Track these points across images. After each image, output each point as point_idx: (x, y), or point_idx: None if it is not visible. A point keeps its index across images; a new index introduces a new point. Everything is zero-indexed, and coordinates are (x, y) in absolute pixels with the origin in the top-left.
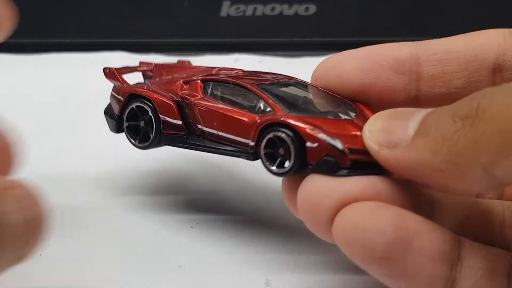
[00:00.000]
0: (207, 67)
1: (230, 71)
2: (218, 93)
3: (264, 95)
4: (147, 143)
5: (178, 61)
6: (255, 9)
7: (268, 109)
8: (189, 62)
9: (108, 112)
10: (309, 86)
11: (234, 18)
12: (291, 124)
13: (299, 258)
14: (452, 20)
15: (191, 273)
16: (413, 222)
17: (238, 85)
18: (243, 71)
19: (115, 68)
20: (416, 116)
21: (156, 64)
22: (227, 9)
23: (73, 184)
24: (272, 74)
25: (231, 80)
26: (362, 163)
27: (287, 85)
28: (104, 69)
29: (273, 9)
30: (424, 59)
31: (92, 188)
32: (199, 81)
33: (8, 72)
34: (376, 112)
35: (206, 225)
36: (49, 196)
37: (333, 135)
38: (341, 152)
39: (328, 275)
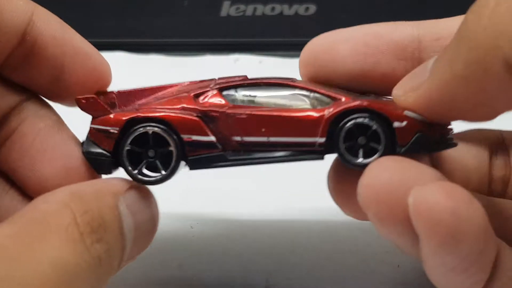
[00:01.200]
0: (193, 82)
1: (232, 79)
2: (251, 98)
3: (314, 87)
4: (163, 176)
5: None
6: (255, 9)
7: (329, 99)
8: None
9: (90, 151)
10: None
11: (234, 18)
12: (373, 106)
13: (299, 258)
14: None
15: (191, 272)
16: (488, 220)
17: (274, 83)
18: (245, 76)
19: (94, 96)
20: (433, 59)
21: (119, 91)
22: (227, 9)
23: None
24: (275, 78)
25: (260, 81)
26: (445, 133)
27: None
28: (78, 100)
29: (273, 9)
30: (427, 44)
31: None
32: (215, 91)
33: None
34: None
35: (206, 225)
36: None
37: (412, 111)
38: (430, 125)
39: (328, 275)
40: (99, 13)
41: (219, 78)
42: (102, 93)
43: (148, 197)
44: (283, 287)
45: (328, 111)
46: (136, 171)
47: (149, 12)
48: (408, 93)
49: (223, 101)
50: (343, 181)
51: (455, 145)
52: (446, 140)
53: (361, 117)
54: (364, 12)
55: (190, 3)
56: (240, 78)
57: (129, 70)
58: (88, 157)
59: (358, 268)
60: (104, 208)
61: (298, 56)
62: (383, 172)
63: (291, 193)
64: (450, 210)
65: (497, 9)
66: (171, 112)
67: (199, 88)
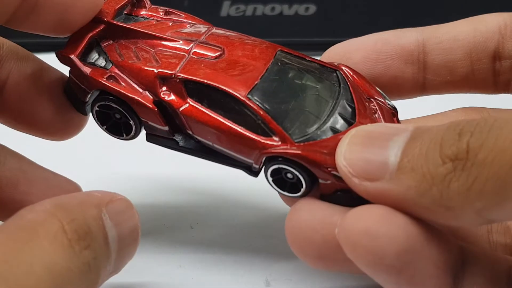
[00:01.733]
0: (177, 36)
1: (209, 52)
2: (206, 99)
3: (263, 112)
4: (132, 135)
5: None
6: (255, 9)
7: (271, 132)
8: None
9: (69, 92)
10: (296, 56)
11: (234, 18)
12: (305, 162)
13: (299, 258)
14: (453, 20)
15: (191, 273)
16: (423, 230)
17: (229, 94)
18: (223, 50)
19: (74, 56)
20: (394, 143)
21: (108, 23)
22: (227, 9)
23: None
24: (254, 43)
25: (219, 87)
26: None
27: (279, 68)
28: (58, 54)
29: (273, 9)
30: (430, 48)
31: (90, 188)
32: (178, 81)
33: None
34: (361, 76)
35: (206, 225)
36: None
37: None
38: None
39: (328, 275)
40: None
41: (196, 46)
42: (96, 20)
43: (129, 209)
44: (283, 287)
45: (264, 148)
46: (104, 127)
47: None
48: (363, 180)
49: (183, 95)
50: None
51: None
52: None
53: (291, 167)
54: (364, 12)
55: (190, 3)
56: (214, 52)
57: None
58: (67, 96)
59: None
60: (89, 218)
61: None
62: (294, 215)
63: None
64: (363, 230)
65: (467, 164)
66: (134, 93)
67: (169, 64)
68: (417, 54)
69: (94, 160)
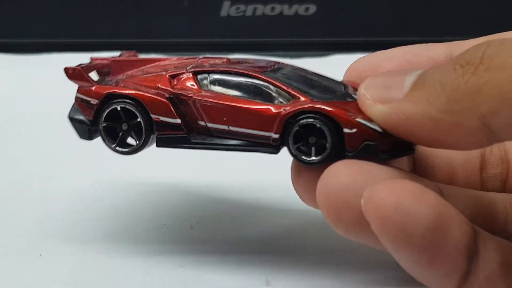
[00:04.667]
0: (181, 58)
1: (217, 60)
2: (220, 85)
3: (277, 82)
4: (135, 147)
5: (123, 52)
6: (255, 9)
7: (289, 96)
8: (135, 52)
9: (74, 117)
10: (304, 69)
11: (234, 18)
12: (326, 110)
13: (299, 258)
14: (452, 20)
15: (191, 273)
16: (450, 211)
17: (243, 74)
18: (228, 58)
19: (82, 67)
20: (415, 71)
21: (114, 59)
22: (227, 9)
23: (73, 184)
24: (259, 60)
25: (232, 69)
26: (400, 143)
27: (285, 68)
28: (66, 69)
29: (273, 9)
30: None
31: (92, 188)
32: (190, 74)
33: (7, 72)
34: None
35: (206, 225)
36: (51, 196)
37: (364, 116)
38: (382, 135)
39: (328, 275)
40: (99, 13)
41: (202, 57)
42: (98, 59)
43: None
44: (283, 287)
45: (284, 109)
46: (113, 145)
47: (149, 12)
48: (376, 103)
49: (195, 85)
50: (303, 174)
51: (411, 152)
52: (400, 148)
53: (314, 119)
54: (364, 12)
55: (190, 3)
56: (221, 61)
57: None
58: (72, 122)
59: (359, 267)
60: None
61: (298, 56)
62: (332, 178)
63: (292, 193)
64: (394, 206)
65: (480, 68)
66: (145, 92)
67: (179, 67)
68: None
69: (95, 159)
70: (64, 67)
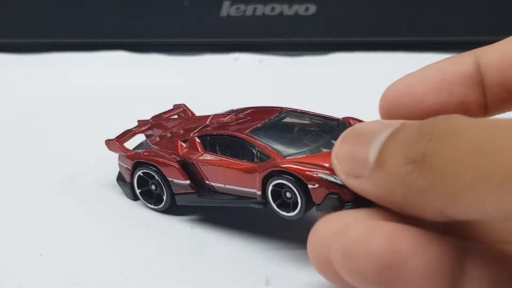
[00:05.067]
0: (201, 116)
1: (223, 118)
2: (216, 147)
3: (258, 142)
4: (163, 205)
5: (174, 106)
6: (255, 9)
7: (266, 156)
8: (184, 105)
9: (120, 179)
10: (300, 112)
11: (234, 18)
12: (290, 169)
13: (299, 257)
14: (452, 20)
15: (192, 272)
16: (407, 241)
17: (233, 136)
18: (236, 115)
19: (116, 140)
20: (376, 141)
21: (153, 122)
22: (227, 9)
23: (73, 184)
24: (265, 108)
25: (225, 132)
26: None
27: (279, 120)
28: (106, 142)
29: (273, 9)
30: (484, 69)
31: (92, 188)
32: (196, 138)
33: (8, 72)
34: None
35: (206, 225)
36: (49, 196)
37: (331, 171)
38: (342, 186)
39: None
40: (99, 13)
41: (213, 117)
42: (143, 124)
43: None
44: (283, 287)
45: (261, 169)
46: (139, 191)
47: (149, 12)
48: (348, 176)
49: (199, 149)
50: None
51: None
52: (359, 202)
53: (282, 177)
54: (364, 12)
55: (190, 3)
56: (228, 118)
57: (129, 70)
58: (119, 184)
59: None
60: None
61: (298, 55)
62: (313, 235)
63: None
64: (341, 250)
65: (423, 168)
66: (163, 157)
67: (192, 130)
68: (476, 76)
69: (95, 158)
70: (105, 140)
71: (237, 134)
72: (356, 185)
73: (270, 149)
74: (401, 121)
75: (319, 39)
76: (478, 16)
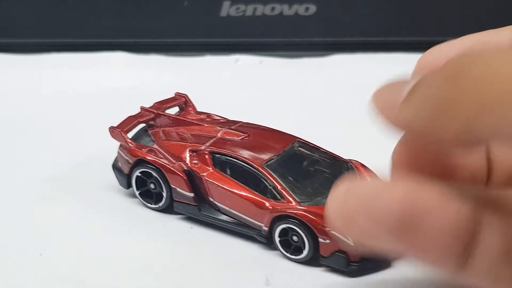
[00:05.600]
0: (211, 126)
1: (236, 136)
2: (227, 168)
3: (274, 178)
4: (162, 203)
5: (176, 94)
6: (255, 9)
7: (279, 195)
8: (186, 95)
9: (116, 167)
10: (312, 147)
11: (234, 18)
12: (305, 218)
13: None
14: (452, 20)
15: (192, 272)
16: (427, 197)
17: (247, 163)
18: (248, 136)
19: (120, 130)
20: (416, 78)
21: (157, 113)
22: (227, 9)
23: (73, 184)
24: (278, 133)
25: (241, 157)
26: (372, 258)
27: (293, 153)
28: (110, 130)
29: (273, 9)
30: None
31: (92, 188)
32: (207, 153)
33: (8, 72)
34: (371, 172)
35: (206, 225)
36: (49, 196)
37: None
38: (352, 247)
39: (328, 274)
40: (100, 13)
41: (226, 130)
42: (146, 113)
43: None
44: (283, 287)
45: (274, 208)
46: (138, 193)
47: (149, 12)
48: (382, 109)
49: (209, 164)
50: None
51: (385, 267)
52: (372, 261)
53: (295, 224)
54: (364, 12)
55: (190, 3)
56: (241, 137)
57: (129, 70)
58: (114, 171)
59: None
60: None
61: (298, 56)
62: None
63: None
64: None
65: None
66: (168, 161)
67: (202, 140)
68: None
69: (95, 158)
70: (109, 127)
71: (253, 164)
72: (387, 115)
73: (285, 190)
74: None
75: (319, 39)
76: (478, 16)
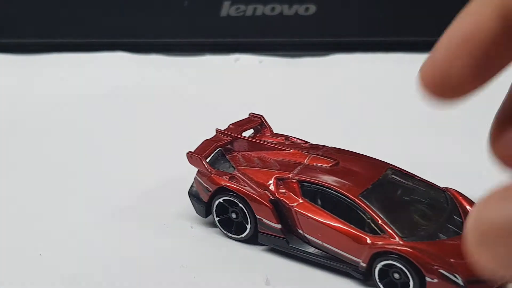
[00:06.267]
0: (296, 151)
1: (325, 163)
2: (318, 199)
3: (373, 211)
4: (246, 234)
5: (250, 115)
6: (255, 9)
7: (379, 230)
8: (262, 116)
9: (193, 194)
10: (405, 174)
11: (234, 18)
12: (412, 256)
13: (299, 257)
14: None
15: (192, 272)
16: None
17: (341, 193)
18: (337, 163)
19: (199, 156)
20: None
21: (235, 136)
22: (227, 9)
23: (73, 184)
24: (368, 160)
25: (334, 187)
26: None
27: (387, 181)
28: (188, 155)
29: (273, 9)
30: None
31: (92, 188)
32: (295, 181)
33: (8, 72)
34: (470, 200)
35: (206, 225)
36: (49, 196)
37: (452, 268)
38: (462, 287)
39: (328, 274)
40: (99, 13)
41: (313, 156)
42: (223, 133)
43: None
44: (283, 287)
45: (374, 243)
46: (217, 219)
47: (149, 12)
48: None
49: (298, 194)
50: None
51: None
52: None
53: (399, 262)
54: (364, 12)
55: (190, 3)
56: (330, 164)
57: (129, 70)
58: (191, 199)
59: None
60: None
61: (298, 55)
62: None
63: None
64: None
65: None
66: (252, 190)
67: (289, 167)
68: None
69: (96, 158)
70: (187, 152)
71: (348, 195)
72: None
73: (386, 223)
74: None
75: (319, 39)
76: None
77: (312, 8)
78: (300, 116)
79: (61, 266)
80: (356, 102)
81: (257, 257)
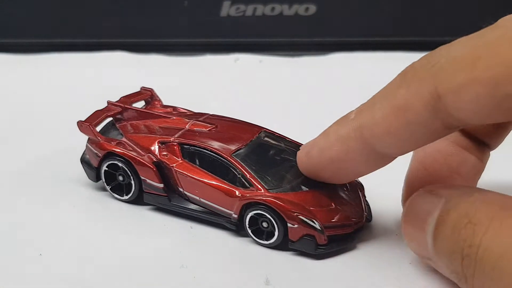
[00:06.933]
0: (179, 118)
1: (203, 128)
2: (196, 159)
3: (243, 168)
4: (131, 195)
5: (141, 88)
6: (255, 9)
7: (248, 184)
8: (152, 90)
9: (84, 160)
10: (277, 136)
11: (234, 18)
12: (274, 205)
13: (299, 257)
14: (452, 20)
15: (192, 272)
16: None
17: (216, 153)
18: (216, 127)
19: (89, 124)
20: (429, 227)
21: (124, 107)
22: (227, 9)
23: (73, 185)
24: (244, 125)
25: (209, 147)
26: (338, 236)
27: (260, 142)
28: (79, 124)
29: (273, 9)
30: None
31: (92, 188)
32: (176, 144)
33: (8, 72)
34: None
35: (206, 225)
36: (49, 196)
37: (311, 215)
38: (319, 231)
39: (328, 274)
40: (100, 13)
41: (194, 122)
42: (112, 107)
43: None
44: (283, 287)
45: (243, 196)
46: (109, 188)
47: (149, 12)
48: (423, 259)
49: (178, 155)
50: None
51: (348, 245)
52: (337, 240)
53: (264, 211)
54: (364, 12)
55: (190, 3)
56: (208, 128)
57: (129, 70)
58: (83, 165)
59: (359, 267)
60: None
61: (298, 55)
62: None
63: None
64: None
65: None
66: (138, 154)
67: (171, 131)
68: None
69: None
70: (77, 121)
71: (222, 154)
72: (431, 265)
73: (254, 178)
74: (445, 192)
75: (319, 39)
76: (478, 16)
77: (312, 8)
78: (300, 115)
79: (61, 266)
80: (356, 102)
81: (257, 257)
